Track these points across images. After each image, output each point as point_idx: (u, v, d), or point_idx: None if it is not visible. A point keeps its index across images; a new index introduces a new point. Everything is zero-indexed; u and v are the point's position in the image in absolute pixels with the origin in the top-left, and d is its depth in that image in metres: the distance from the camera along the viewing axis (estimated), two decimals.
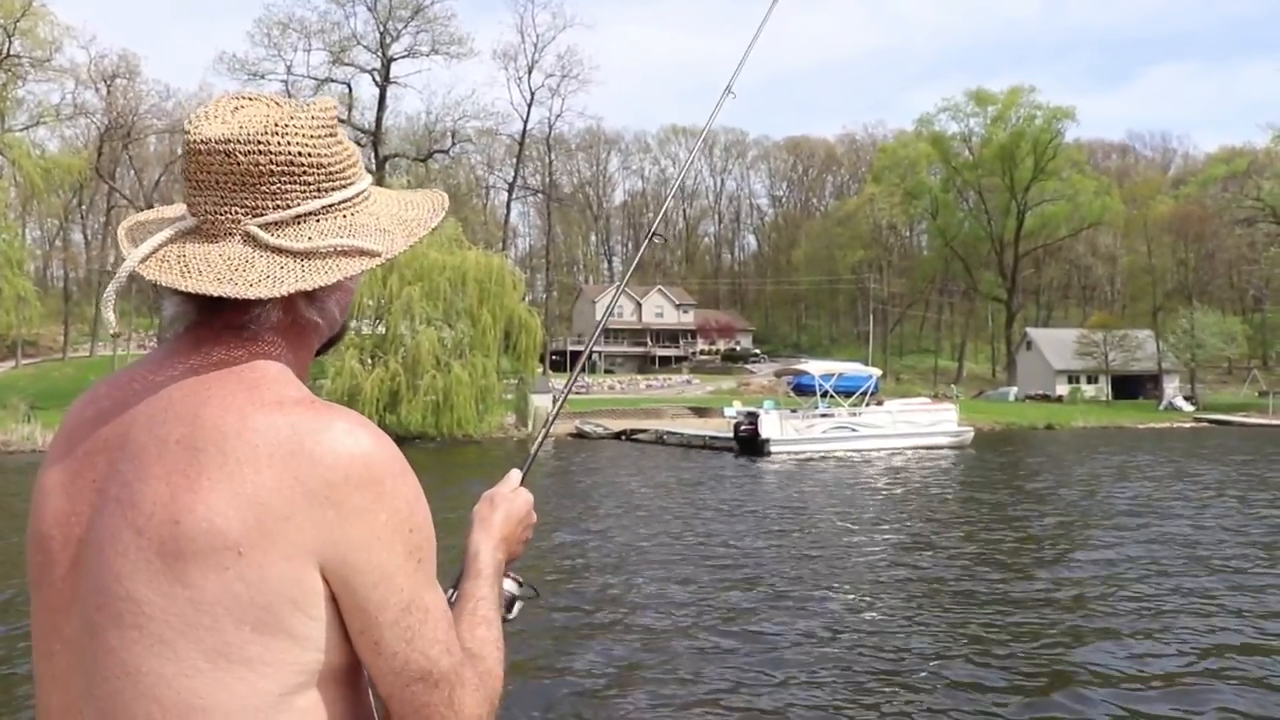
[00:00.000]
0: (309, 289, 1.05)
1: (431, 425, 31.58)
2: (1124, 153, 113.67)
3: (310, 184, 1.08)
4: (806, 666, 6.82)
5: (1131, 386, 67.39)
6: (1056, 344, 70.91)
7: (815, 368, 35.18)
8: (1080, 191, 76.99)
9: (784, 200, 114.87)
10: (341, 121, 1.19)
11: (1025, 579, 9.95)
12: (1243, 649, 7.19)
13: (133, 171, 66.60)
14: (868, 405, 32.92)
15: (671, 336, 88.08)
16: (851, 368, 36.66)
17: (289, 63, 60.48)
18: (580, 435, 38.01)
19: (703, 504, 16.86)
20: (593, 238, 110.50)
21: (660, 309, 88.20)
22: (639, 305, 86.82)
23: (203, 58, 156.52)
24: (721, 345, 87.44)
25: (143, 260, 1.06)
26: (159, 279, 1.04)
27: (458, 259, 34.42)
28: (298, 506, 0.96)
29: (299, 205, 1.07)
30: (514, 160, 71.10)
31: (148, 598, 0.96)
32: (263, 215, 1.06)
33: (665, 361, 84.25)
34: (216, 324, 1.07)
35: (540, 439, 1.72)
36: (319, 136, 1.08)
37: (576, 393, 53.58)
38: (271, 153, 1.05)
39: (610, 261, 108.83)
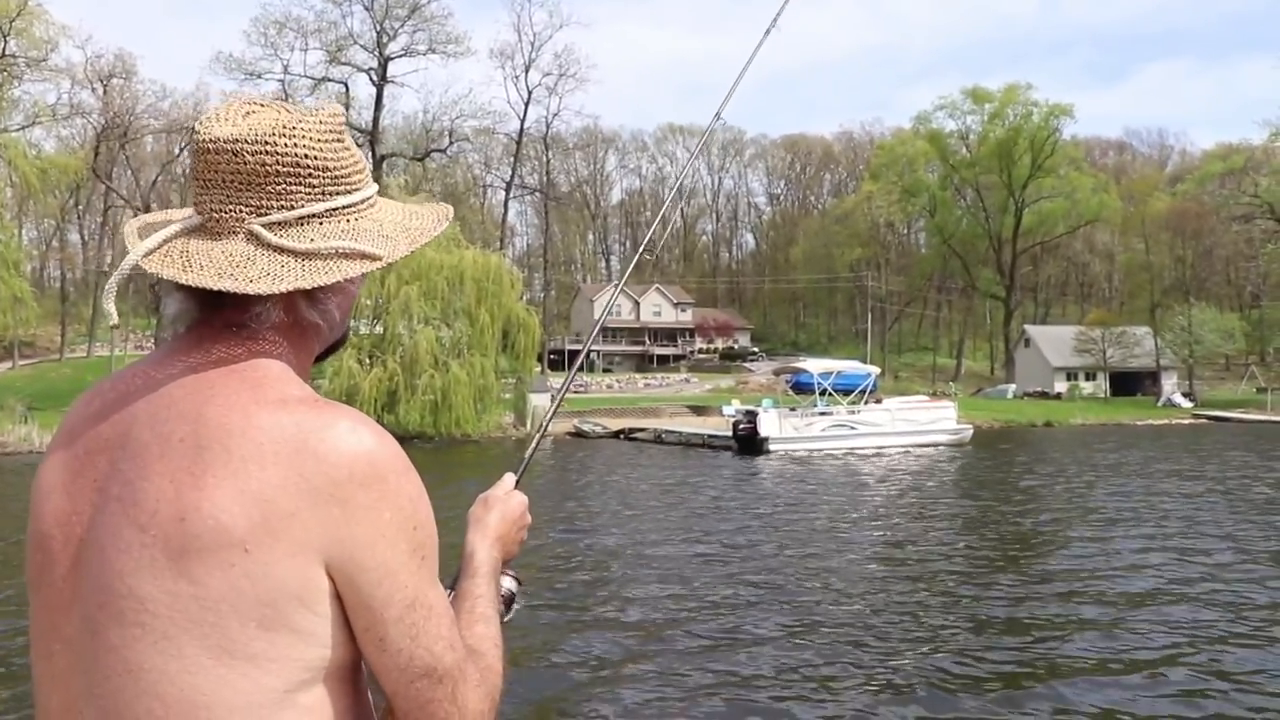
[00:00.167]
0: (309, 288, 1.06)
1: (430, 425, 31.53)
2: (1121, 150, 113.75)
3: (315, 186, 1.09)
4: (804, 662, 6.79)
5: (1130, 383, 67.45)
6: (1055, 341, 70.96)
7: (814, 366, 35.14)
8: (1078, 189, 77.05)
9: (782, 198, 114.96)
10: (345, 126, 1.17)
11: (1024, 576, 9.93)
12: (1237, 644, 7.19)
13: (129, 171, 66.43)
14: (866, 403, 32.90)
15: (670, 335, 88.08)
16: (850, 366, 36.64)
17: (286, 62, 60.54)
18: (579, 434, 37.98)
19: (701, 502, 16.83)
20: (590, 236, 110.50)
21: (658, 308, 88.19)
22: (637, 304, 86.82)
23: (199, 57, 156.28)
24: (720, 344, 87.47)
25: (147, 254, 1.07)
26: (161, 273, 1.05)
27: (455, 258, 34.36)
28: (303, 504, 0.97)
29: (303, 206, 1.08)
30: (511, 159, 71.05)
31: (151, 595, 0.96)
32: (267, 215, 1.07)
33: (663, 360, 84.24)
34: (218, 322, 1.08)
35: (535, 442, 1.71)
36: (326, 141, 1.10)
37: (575, 392, 53.59)
38: (278, 153, 1.06)
39: (608, 260, 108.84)
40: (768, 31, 2.51)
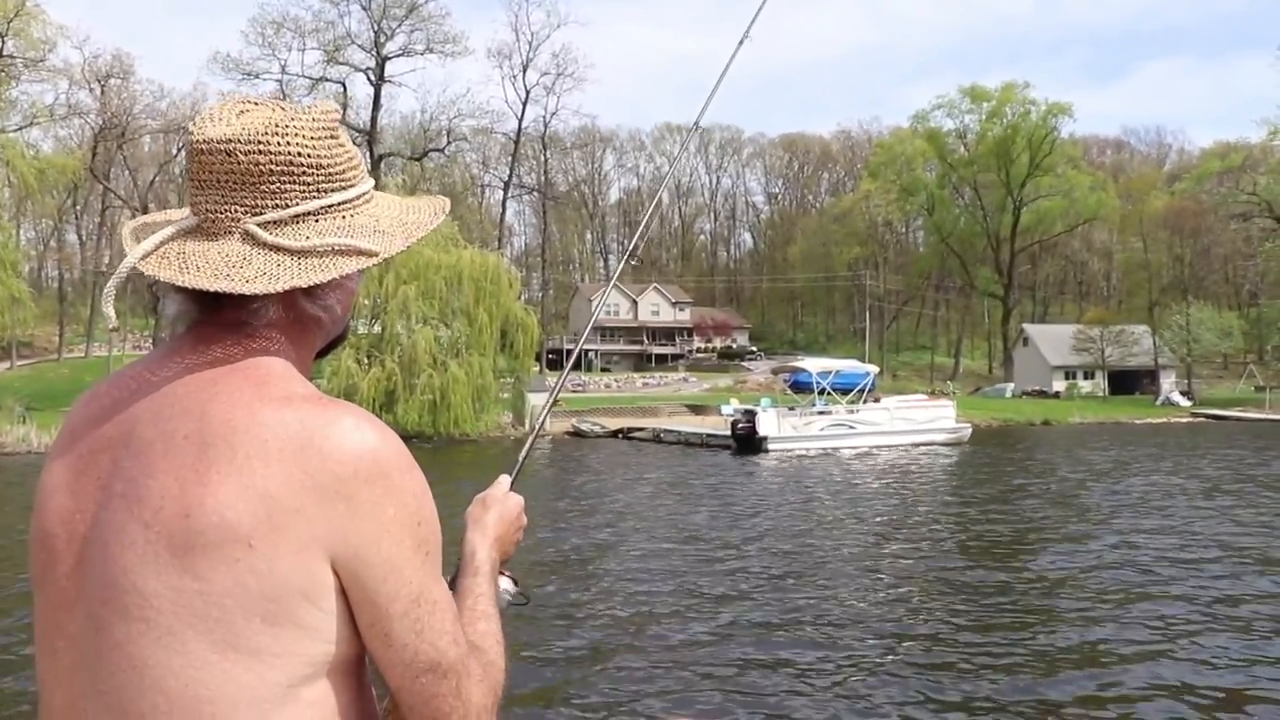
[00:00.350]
0: (305, 286, 1.07)
1: (428, 424, 31.52)
2: (1119, 148, 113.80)
3: (309, 184, 1.09)
4: (803, 660, 6.80)
5: (1128, 382, 67.49)
6: (1053, 340, 71.01)
7: (812, 365, 35.14)
8: (1076, 187, 77.06)
9: (780, 197, 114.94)
10: (340, 123, 1.17)
11: (1021, 573, 9.94)
12: (1229, 638, 7.21)
13: (127, 172, 66.37)
14: (865, 402, 32.90)
15: (668, 334, 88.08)
16: (849, 365, 36.63)
17: (283, 62, 60.10)
18: (577, 434, 37.98)
19: (700, 502, 16.83)
20: (588, 236, 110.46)
21: (656, 307, 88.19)
22: (635, 303, 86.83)
23: (197, 57, 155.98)
24: (718, 343, 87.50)
25: (144, 256, 1.08)
26: (158, 275, 1.06)
27: (453, 258, 34.34)
28: (308, 500, 0.98)
29: (298, 205, 1.09)
30: (509, 159, 70.99)
31: (156, 590, 0.97)
32: (262, 214, 1.08)
33: (661, 359, 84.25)
34: (218, 321, 1.09)
35: (529, 444, 1.73)
36: (319, 138, 1.10)
37: (573, 391, 53.59)
38: (271, 152, 1.06)
39: (606, 259, 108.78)
40: (741, 42, 2.57)
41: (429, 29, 59.68)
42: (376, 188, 1.23)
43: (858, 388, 33.18)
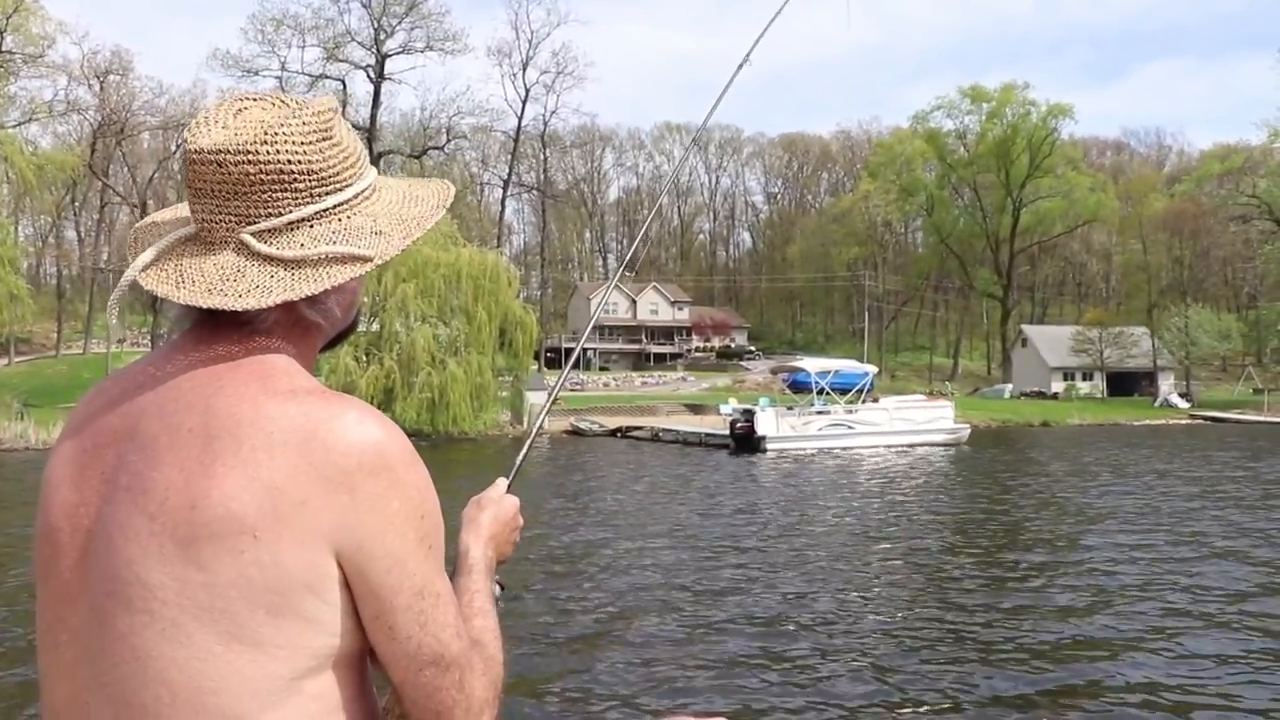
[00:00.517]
0: (296, 299, 1.06)
1: (427, 422, 31.51)
2: (1118, 149, 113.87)
3: (302, 190, 1.08)
4: (800, 658, 6.79)
5: (1127, 383, 67.56)
6: (1052, 341, 71.06)
7: (811, 365, 35.15)
8: (1075, 188, 77.14)
9: (779, 197, 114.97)
10: (337, 116, 1.16)
11: (1019, 573, 9.93)
12: (1224, 638, 7.20)
13: (126, 168, 66.35)
14: (864, 402, 32.91)
15: (666, 333, 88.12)
16: (847, 365, 36.65)
17: (283, 59, 60.07)
18: (575, 432, 37.99)
19: (698, 501, 16.82)
20: (587, 234, 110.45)
21: (655, 306, 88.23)
22: (634, 302, 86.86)
23: (196, 54, 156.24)
24: (716, 342, 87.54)
25: (144, 269, 1.09)
26: (155, 290, 1.07)
27: (452, 256, 34.33)
28: (313, 492, 0.98)
29: (291, 212, 1.08)
30: (509, 157, 71.08)
31: (160, 582, 0.97)
32: (256, 223, 1.07)
33: (660, 359, 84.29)
34: (220, 320, 1.08)
35: (526, 447, 1.72)
36: (310, 142, 1.08)
37: (571, 389, 53.58)
38: (261, 162, 1.05)
39: (605, 258, 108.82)
40: (740, 66, 2.60)
41: (429, 26, 59.78)
42: (389, 179, 1.23)
43: (856, 388, 33.19)
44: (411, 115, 68.23)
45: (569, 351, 72.45)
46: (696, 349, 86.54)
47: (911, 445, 30.75)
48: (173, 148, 64.42)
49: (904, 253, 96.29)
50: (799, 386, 35.28)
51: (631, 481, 20.70)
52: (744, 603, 8.73)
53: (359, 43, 59.79)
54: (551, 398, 2.06)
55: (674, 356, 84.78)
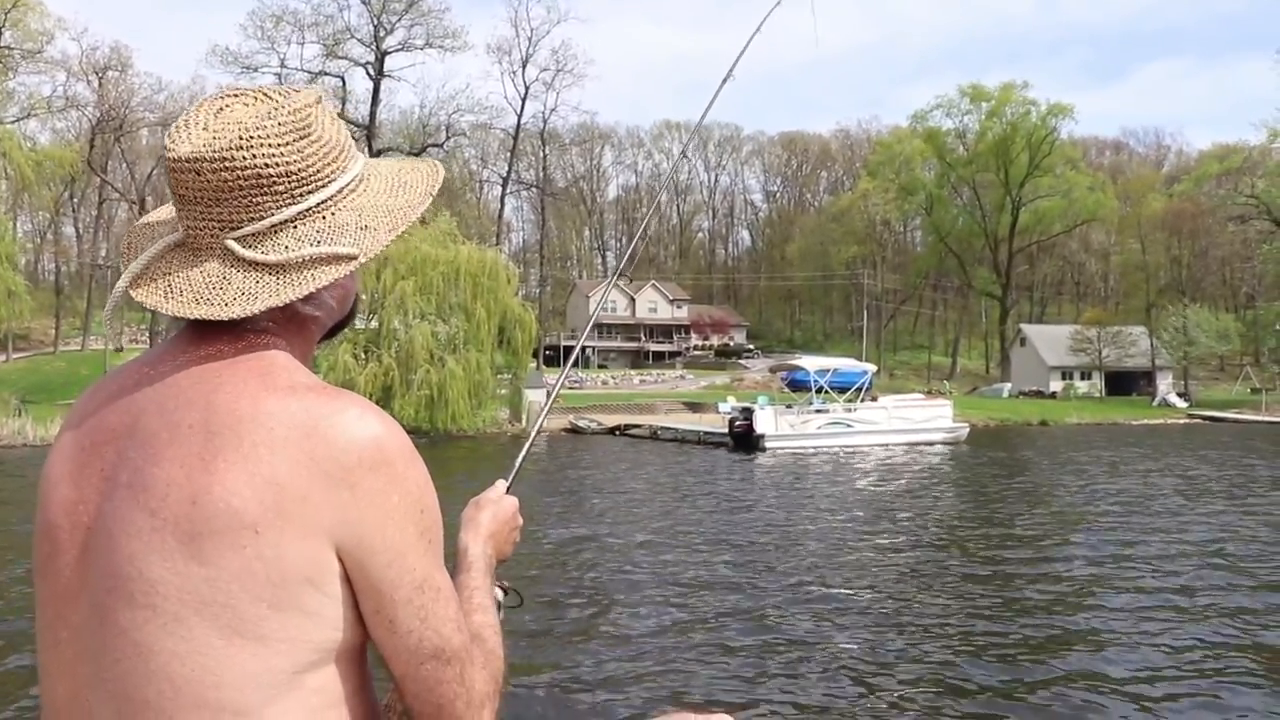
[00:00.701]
0: (282, 304, 1.06)
1: (425, 420, 31.50)
2: (1117, 149, 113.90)
3: (282, 192, 1.07)
4: (797, 654, 6.79)
5: (1125, 383, 67.61)
6: (1050, 340, 71.10)
7: (810, 363, 35.14)
8: (1074, 187, 77.15)
9: (778, 196, 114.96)
10: (317, 109, 1.15)
11: (1017, 572, 9.94)
12: (1222, 642, 7.21)
13: (125, 165, 66.28)
14: (862, 401, 32.91)
15: (665, 332, 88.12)
16: (846, 363, 36.63)
17: (283, 56, 59.95)
18: (574, 430, 37.99)
19: (697, 499, 16.82)
20: (586, 232, 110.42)
21: (654, 304, 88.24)
22: (633, 300, 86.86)
23: (195, 50, 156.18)
24: (715, 341, 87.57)
25: (133, 279, 1.10)
26: (145, 302, 1.08)
27: (451, 254, 34.31)
28: (314, 487, 0.99)
29: (273, 215, 1.07)
30: (508, 154, 71.01)
31: (162, 577, 0.98)
32: (239, 228, 1.07)
33: (659, 357, 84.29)
34: (217, 320, 1.09)
35: (525, 448, 1.72)
36: (288, 143, 1.07)
37: (570, 388, 53.58)
38: (238, 168, 1.05)
39: (604, 256, 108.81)
40: (725, 80, 2.64)
41: (429, 24, 59.70)
42: (379, 162, 1.23)
43: (855, 386, 33.17)
44: (411, 112, 68.14)
45: (568, 350, 72.50)
46: (695, 347, 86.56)
47: (910, 444, 30.75)
48: None
49: (903, 252, 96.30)
50: (797, 385, 35.27)
51: (630, 480, 20.70)
52: (743, 600, 8.73)
53: (359, 39, 59.75)
54: (550, 400, 2.06)
55: (673, 355, 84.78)
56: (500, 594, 1.43)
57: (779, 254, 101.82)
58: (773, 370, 42.70)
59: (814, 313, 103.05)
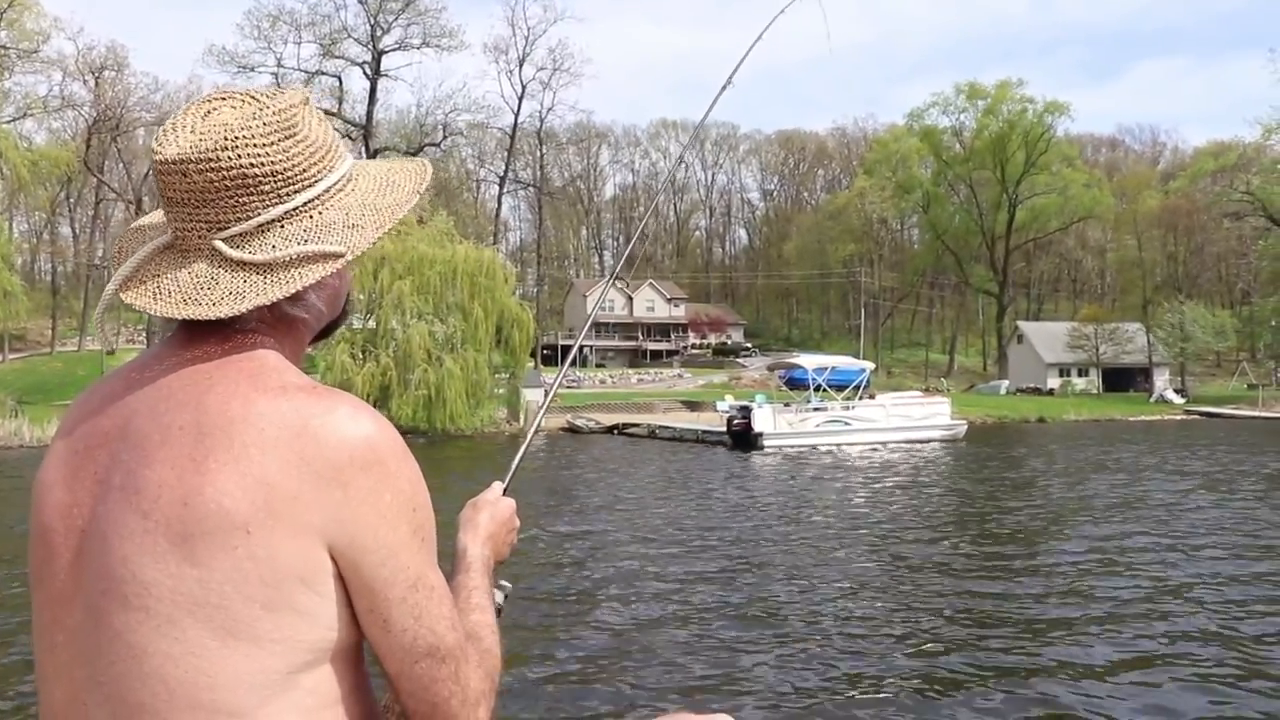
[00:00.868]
0: (270, 303, 1.07)
1: (423, 420, 31.49)
2: (1113, 147, 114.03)
3: (268, 192, 1.08)
4: (799, 655, 6.79)
5: (1122, 379, 67.70)
6: (1047, 337, 71.19)
7: (808, 361, 35.15)
8: (1070, 185, 77.23)
9: (775, 194, 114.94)
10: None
11: (1016, 570, 9.94)
12: (1215, 637, 7.22)
13: (121, 164, 66.13)
14: (860, 399, 32.92)
15: (663, 330, 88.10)
16: (844, 361, 36.63)
17: (279, 55, 59.83)
18: (572, 430, 37.98)
19: (696, 498, 16.82)
20: (584, 231, 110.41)
21: (651, 303, 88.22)
22: (630, 299, 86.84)
23: (192, 50, 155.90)
24: (713, 339, 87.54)
25: (123, 281, 1.11)
26: (134, 304, 1.09)
27: (448, 253, 34.30)
28: (305, 487, 0.99)
29: (260, 214, 1.08)
30: (505, 154, 70.92)
31: (155, 579, 0.98)
32: (226, 228, 1.08)
33: (656, 355, 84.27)
34: (206, 321, 1.09)
35: (522, 450, 1.73)
36: (272, 143, 1.08)
37: (568, 387, 53.57)
38: (223, 169, 1.05)
39: (601, 255, 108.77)
40: (724, 87, 2.66)
41: (425, 23, 59.64)
42: (368, 162, 1.24)
43: (853, 384, 33.18)
44: (408, 112, 68.12)
45: (565, 349, 72.48)
46: (693, 346, 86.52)
47: (908, 441, 30.76)
48: None
49: (900, 249, 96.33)
50: (796, 383, 35.30)
51: (629, 479, 20.70)
52: (742, 599, 8.74)
53: (355, 39, 59.67)
54: (547, 401, 2.06)
55: (670, 353, 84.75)
56: (501, 596, 1.44)
57: (776, 252, 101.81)
58: (770, 369, 42.75)
59: (811, 311, 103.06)
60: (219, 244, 1.07)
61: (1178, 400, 58.26)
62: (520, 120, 67.02)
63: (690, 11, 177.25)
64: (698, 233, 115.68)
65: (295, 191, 1.10)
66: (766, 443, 29.66)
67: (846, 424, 31.32)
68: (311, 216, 1.11)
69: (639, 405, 45.13)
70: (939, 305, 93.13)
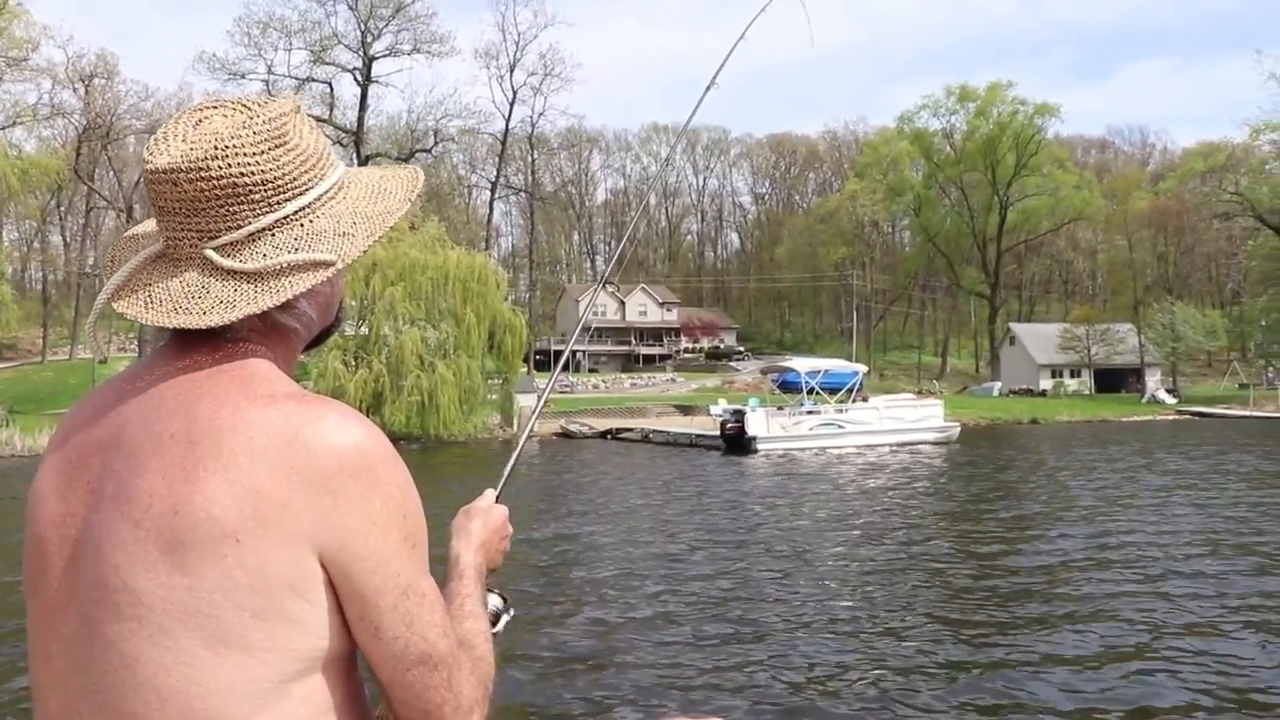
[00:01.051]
0: (260, 311, 1.07)
1: (416, 426, 31.43)
2: (1103, 148, 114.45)
3: (258, 200, 1.08)
4: (792, 657, 6.80)
5: (1114, 380, 67.90)
6: (1039, 339, 71.37)
7: (801, 365, 35.16)
8: (1061, 186, 77.51)
9: (766, 197, 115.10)
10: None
11: (1011, 570, 9.97)
12: (1201, 633, 7.26)
13: (111, 172, 66.00)
14: (853, 402, 32.96)
15: (655, 335, 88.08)
16: (837, 364, 36.67)
17: (270, 62, 59.82)
18: (565, 435, 37.95)
19: (690, 502, 16.82)
20: (575, 236, 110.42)
21: (644, 307, 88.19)
22: (622, 304, 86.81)
23: (183, 57, 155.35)
24: (705, 343, 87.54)
25: (115, 290, 1.11)
26: (125, 313, 1.09)
27: (440, 259, 34.27)
28: (294, 495, 0.99)
29: (251, 223, 1.08)
30: (496, 159, 70.91)
31: (146, 588, 0.98)
32: (217, 237, 1.08)
33: (649, 360, 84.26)
34: (197, 330, 1.09)
35: (514, 457, 1.73)
36: (262, 152, 1.08)
37: (561, 392, 53.55)
38: (213, 178, 1.06)
39: (593, 260, 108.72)
40: (707, 89, 2.65)
41: (416, 29, 59.66)
42: (359, 171, 1.23)
43: (846, 387, 33.24)
44: (399, 118, 67.97)
45: (558, 354, 72.44)
46: (685, 350, 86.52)
47: (902, 444, 30.81)
48: None
49: (891, 252, 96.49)
50: (788, 386, 35.31)
51: (623, 484, 20.69)
52: (737, 603, 8.74)
53: (346, 45, 59.65)
54: (539, 407, 2.05)
55: (663, 358, 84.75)
56: (500, 603, 1.45)
57: (768, 256, 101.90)
58: (763, 372, 42.69)
59: (803, 314, 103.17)
60: (210, 253, 1.08)
61: (1170, 400, 58.46)
62: (511, 125, 67.12)
63: (682, 14, 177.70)
64: (689, 237, 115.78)
65: (286, 200, 1.10)
66: (760, 446, 29.67)
67: (840, 427, 31.35)
68: (302, 225, 1.11)
69: (632, 410, 45.11)
70: (931, 307, 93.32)
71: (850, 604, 8.70)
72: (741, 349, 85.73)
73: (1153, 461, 24.09)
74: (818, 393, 32.97)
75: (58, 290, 71.20)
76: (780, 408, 32.59)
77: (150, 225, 1.18)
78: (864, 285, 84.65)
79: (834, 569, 10.43)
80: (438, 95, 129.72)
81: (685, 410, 45.31)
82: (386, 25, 59.32)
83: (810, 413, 31.79)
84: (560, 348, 72.50)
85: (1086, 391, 65.75)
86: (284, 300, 1.08)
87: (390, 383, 31.89)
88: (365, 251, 1.13)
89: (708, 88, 2.64)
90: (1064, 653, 6.98)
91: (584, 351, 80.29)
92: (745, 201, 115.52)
